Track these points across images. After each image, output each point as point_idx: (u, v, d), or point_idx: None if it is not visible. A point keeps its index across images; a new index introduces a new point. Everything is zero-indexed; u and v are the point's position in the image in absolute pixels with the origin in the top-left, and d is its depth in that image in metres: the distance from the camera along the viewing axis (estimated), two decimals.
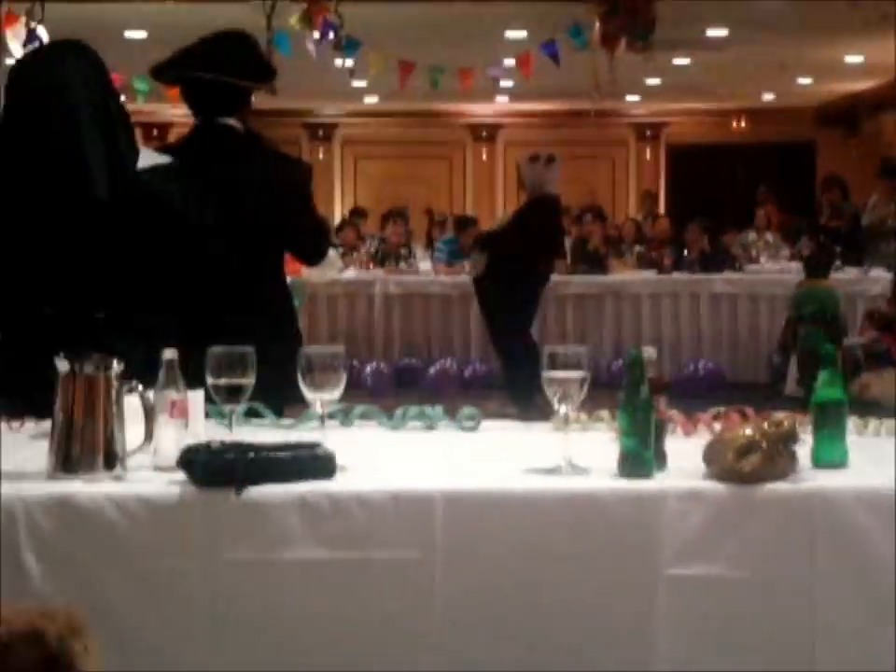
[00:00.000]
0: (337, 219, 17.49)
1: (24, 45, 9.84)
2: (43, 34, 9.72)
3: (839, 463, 2.68)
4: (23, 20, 9.97)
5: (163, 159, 3.51)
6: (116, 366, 2.63)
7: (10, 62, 10.17)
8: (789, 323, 10.08)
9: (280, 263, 4.22)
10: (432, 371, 10.74)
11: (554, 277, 11.42)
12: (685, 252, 12.09)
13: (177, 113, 17.37)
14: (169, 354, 2.69)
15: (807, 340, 8.67)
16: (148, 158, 3.48)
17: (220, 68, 4.05)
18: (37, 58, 3.67)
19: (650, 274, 11.74)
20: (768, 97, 20.02)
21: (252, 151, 4.17)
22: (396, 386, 10.63)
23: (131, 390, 2.66)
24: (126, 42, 11.81)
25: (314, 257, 4.44)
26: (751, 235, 13.33)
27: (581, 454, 2.68)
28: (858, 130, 20.51)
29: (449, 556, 2.52)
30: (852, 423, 3.00)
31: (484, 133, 22.51)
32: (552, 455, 2.68)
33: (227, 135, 4.10)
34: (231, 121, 4.11)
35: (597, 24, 9.25)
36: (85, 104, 3.42)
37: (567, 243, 12.98)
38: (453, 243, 11.96)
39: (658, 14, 8.70)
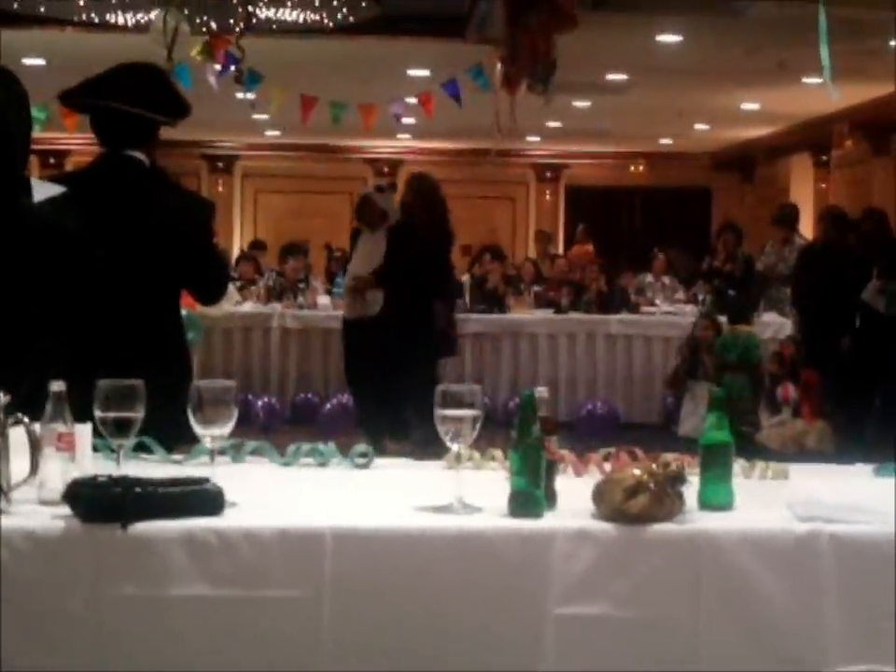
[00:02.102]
0: (236, 252, 17.42)
1: None
2: None
3: (725, 505, 2.72)
4: None
5: (56, 189, 3.46)
6: (1, 397, 2.59)
7: None
8: (685, 361, 10.18)
9: (176, 299, 4.19)
10: (328, 406, 10.70)
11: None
12: (583, 292, 12.20)
13: (74, 141, 17.22)
14: (57, 386, 2.65)
15: (731, 386, 8.74)
16: (42, 190, 3.43)
17: (135, 100, 4.02)
18: None
19: (547, 314, 11.82)
20: (666, 142, 20.34)
21: (156, 185, 4.14)
22: (291, 422, 10.58)
23: (16, 422, 2.61)
24: (24, 69, 11.71)
25: (211, 297, 4.40)
26: (648, 277, 13.49)
27: (473, 492, 2.69)
28: (753, 175, 20.90)
29: (338, 594, 2.51)
30: (739, 466, 3.05)
31: (386, 169, 22.58)
32: (444, 493, 2.68)
33: (132, 167, 4.06)
34: (138, 154, 4.07)
35: (499, 66, 9.31)
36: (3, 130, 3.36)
37: (467, 281, 13.06)
38: None
39: (559, 57, 8.77)
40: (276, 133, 19.63)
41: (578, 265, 13.85)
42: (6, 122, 3.37)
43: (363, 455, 3.24)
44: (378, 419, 8.76)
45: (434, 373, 9.00)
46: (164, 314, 4.11)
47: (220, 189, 22.18)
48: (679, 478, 2.62)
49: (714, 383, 8.95)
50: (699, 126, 18.20)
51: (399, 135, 19.45)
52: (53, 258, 3.38)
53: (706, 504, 2.71)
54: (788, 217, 11.91)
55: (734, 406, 2.78)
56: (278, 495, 2.86)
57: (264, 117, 15.24)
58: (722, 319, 10.07)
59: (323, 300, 12.07)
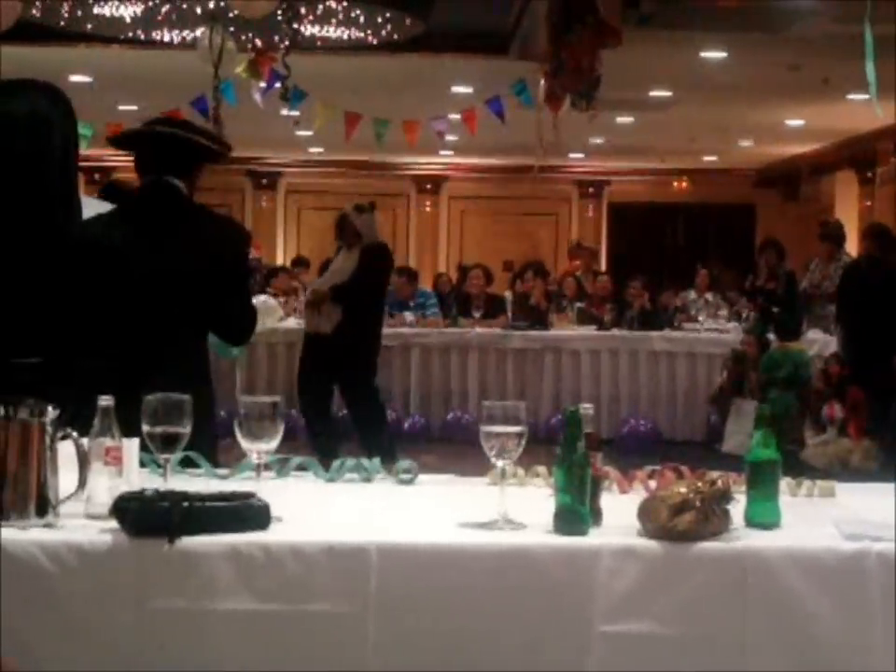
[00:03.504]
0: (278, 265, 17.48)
1: None
2: None
3: (771, 523, 2.70)
4: None
5: (106, 206, 3.49)
6: (50, 412, 2.61)
7: None
8: (730, 378, 10.13)
9: (205, 330, 4.21)
10: None
11: (496, 332, 11.49)
12: (625, 309, 12.18)
13: (119, 158, 17.36)
14: (105, 401, 2.67)
15: (778, 403, 8.69)
16: (93, 207, 3.46)
17: (184, 130, 4.10)
18: (14, 92, 3.51)
19: (590, 330, 11.81)
20: (709, 158, 20.28)
21: (194, 213, 4.18)
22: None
23: (65, 437, 2.63)
24: (70, 86, 11.81)
25: (238, 334, 4.41)
26: (691, 294, 13.45)
27: (517, 509, 2.69)
28: (797, 192, 20.80)
29: (383, 609, 2.51)
30: (785, 483, 3.03)
31: (429, 186, 22.63)
32: (488, 510, 2.68)
33: (173, 194, 4.11)
34: (177, 182, 4.13)
35: (542, 82, 9.33)
36: (56, 147, 3.39)
37: (509, 297, 13.05)
38: (393, 294, 11.95)
39: (603, 74, 8.78)
40: (320, 149, 19.72)
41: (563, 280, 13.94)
42: (51, 136, 3.39)
43: (407, 470, 3.24)
44: (328, 435, 8.68)
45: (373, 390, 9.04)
46: (195, 340, 4.13)
47: (264, 205, 22.30)
48: (725, 495, 2.61)
49: (759, 399, 8.92)
50: (743, 142, 18.14)
51: (442, 152, 19.49)
52: (97, 274, 3.41)
53: (752, 522, 2.69)
54: (833, 233, 11.84)
55: (780, 423, 2.76)
56: (323, 510, 2.86)
57: (308, 133, 15.30)
58: (769, 336, 10.03)
59: None
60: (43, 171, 3.35)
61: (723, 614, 2.55)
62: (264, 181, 22.43)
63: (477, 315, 11.90)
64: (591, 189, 22.64)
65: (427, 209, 22.71)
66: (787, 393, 9.20)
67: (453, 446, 10.02)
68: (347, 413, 9.16)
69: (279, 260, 20.65)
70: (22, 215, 3.34)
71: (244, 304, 4.23)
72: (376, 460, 3.29)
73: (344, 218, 8.92)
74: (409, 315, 11.55)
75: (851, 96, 12.61)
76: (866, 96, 4.97)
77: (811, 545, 2.61)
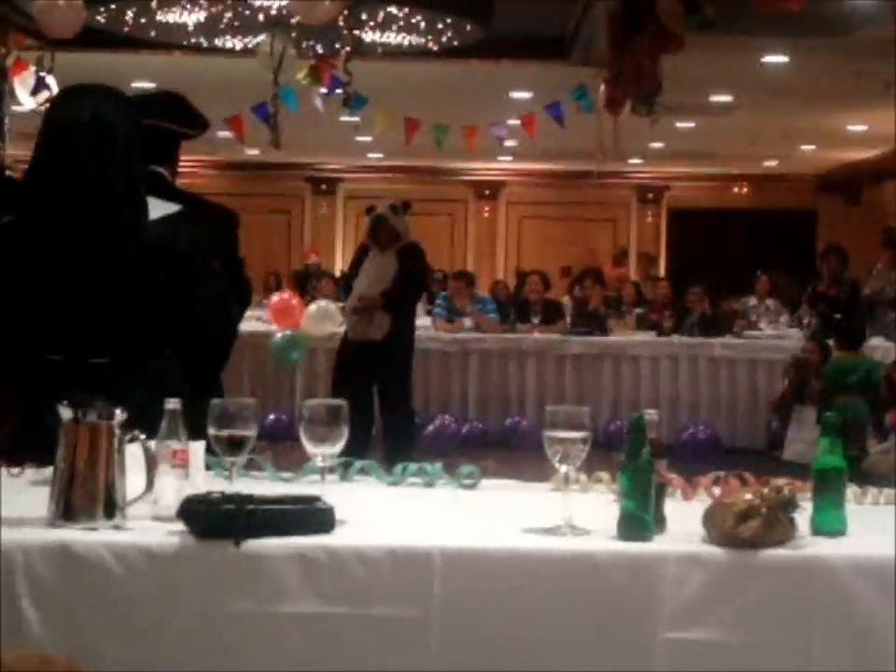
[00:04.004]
0: (337, 274, 17.58)
1: (32, 93, 9.93)
2: (52, 82, 9.80)
3: (838, 531, 2.68)
4: (32, 68, 10.06)
5: (173, 208, 3.51)
6: (118, 415, 2.63)
7: (18, 109, 10.27)
8: (791, 385, 10.06)
9: None
10: (430, 427, 10.72)
11: (554, 337, 11.48)
12: (685, 315, 12.13)
13: (184, 161, 17.46)
14: (172, 404, 2.69)
15: (847, 410, 8.63)
16: (159, 208, 3.48)
17: (154, 115, 4.13)
18: (78, 96, 3.53)
19: (649, 337, 11.76)
20: (770, 163, 20.17)
21: (180, 199, 4.21)
22: None
23: (133, 439, 2.66)
24: (134, 92, 11.85)
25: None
26: (752, 300, 13.38)
27: (580, 514, 2.68)
28: (859, 198, 20.62)
29: (446, 614, 2.51)
30: (851, 491, 3.01)
31: (487, 191, 22.65)
32: (551, 515, 2.68)
33: (155, 182, 4.14)
34: (160, 169, 4.17)
35: (602, 87, 9.31)
36: (121, 149, 3.42)
37: (567, 303, 13.04)
38: (451, 299, 11.97)
39: (663, 79, 8.75)
40: (379, 155, 19.78)
41: (611, 286, 13.93)
42: (115, 140, 3.41)
43: (470, 475, 3.25)
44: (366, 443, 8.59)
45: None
46: None
47: (323, 210, 22.39)
48: (791, 503, 2.59)
49: (820, 407, 8.85)
50: (804, 148, 18.03)
51: (501, 157, 19.49)
52: (164, 275, 3.43)
53: (818, 530, 2.67)
54: (895, 240, 11.74)
55: (848, 430, 2.75)
56: (386, 514, 2.87)
57: (367, 139, 15.36)
58: (829, 343, 9.96)
59: (423, 320, 12.12)
60: (108, 173, 3.38)
61: (788, 622, 2.54)
62: (323, 187, 22.52)
63: (535, 320, 11.89)
64: (650, 195, 22.57)
65: (486, 215, 22.72)
66: (856, 399, 9.12)
67: (511, 451, 10.04)
68: (380, 418, 9.10)
69: (338, 265, 20.74)
70: (90, 217, 3.37)
71: (239, 278, 4.28)
72: (438, 465, 3.29)
73: (381, 219, 8.72)
74: (468, 321, 11.56)
75: None
76: None
77: (877, 553, 2.59)
